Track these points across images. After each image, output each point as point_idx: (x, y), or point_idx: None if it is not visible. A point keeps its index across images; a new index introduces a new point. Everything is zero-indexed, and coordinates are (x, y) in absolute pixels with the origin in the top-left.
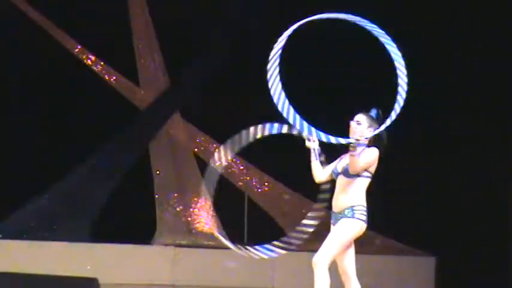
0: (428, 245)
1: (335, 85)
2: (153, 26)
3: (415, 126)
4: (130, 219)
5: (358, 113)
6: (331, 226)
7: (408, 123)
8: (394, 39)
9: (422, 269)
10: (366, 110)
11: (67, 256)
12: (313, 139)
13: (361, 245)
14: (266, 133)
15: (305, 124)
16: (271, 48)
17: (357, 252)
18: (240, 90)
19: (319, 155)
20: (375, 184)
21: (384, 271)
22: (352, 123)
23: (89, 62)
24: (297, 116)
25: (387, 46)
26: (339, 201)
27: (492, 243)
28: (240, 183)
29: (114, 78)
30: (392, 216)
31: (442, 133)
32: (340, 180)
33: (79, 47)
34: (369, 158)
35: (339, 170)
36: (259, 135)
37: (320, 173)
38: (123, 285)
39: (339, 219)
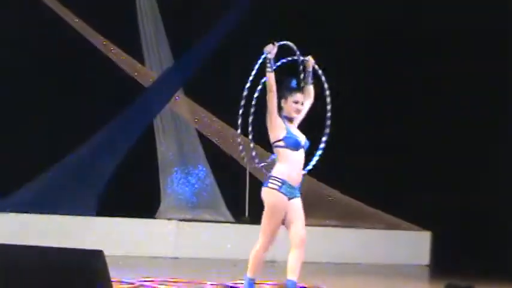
0: (425, 221)
1: None
2: (158, 10)
3: (406, 103)
4: (135, 193)
5: (296, 93)
6: (285, 199)
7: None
8: None
9: (418, 242)
10: (288, 83)
11: (74, 229)
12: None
13: (363, 220)
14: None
15: None
16: (268, 29)
17: (359, 226)
18: (237, 68)
19: (273, 66)
20: (374, 164)
21: (384, 244)
22: (298, 106)
23: (99, 42)
24: None
25: None
26: (297, 176)
27: (484, 219)
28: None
29: (121, 57)
30: (392, 194)
31: (435, 110)
32: (301, 154)
33: (88, 28)
34: None
35: (302, 142)
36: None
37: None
38: (128, 257)
39: (297, 195)
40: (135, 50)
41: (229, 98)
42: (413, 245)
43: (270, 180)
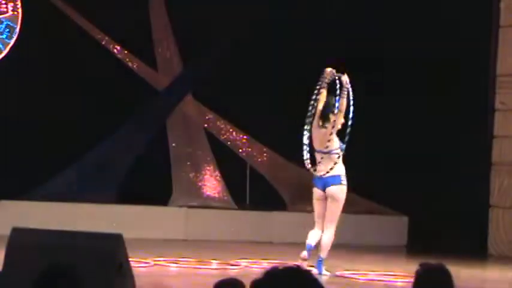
0: (402, 206)
1: None
2: (169, 22)
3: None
4: (150, 184)
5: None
6: None
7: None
8: None
9: (397, 227)
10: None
11: (96, 215)
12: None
13: (346, 206)
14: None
15: None
16: (275, 34)
17: (342, 211)
18: (243, 73)
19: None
20: (357, 153)
21: (365, 228)
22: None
23: (115, 50)
24: None
25: None
26: None
27: (457, 204)
28: (243, 154)
29: (136, 64)
30: (372, 182)
31: (412, 97)
32: None
33: (107, 38)
34: None
35: None
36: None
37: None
38: (143, 240)
39: None
40: (150, 60)
41: (232, 100)
42: (392, 229)
43: (344, 180)
